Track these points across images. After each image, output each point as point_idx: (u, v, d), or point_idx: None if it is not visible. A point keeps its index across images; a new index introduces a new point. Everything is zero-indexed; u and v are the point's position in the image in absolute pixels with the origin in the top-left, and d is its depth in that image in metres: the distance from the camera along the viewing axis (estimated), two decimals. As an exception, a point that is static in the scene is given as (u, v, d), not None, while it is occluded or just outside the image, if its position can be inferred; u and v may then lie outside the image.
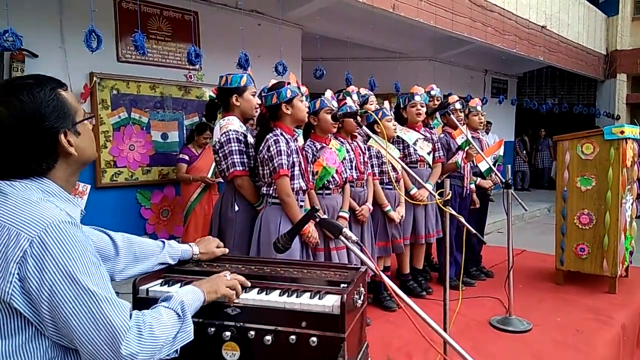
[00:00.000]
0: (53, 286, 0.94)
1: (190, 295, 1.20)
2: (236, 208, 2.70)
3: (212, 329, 1.36)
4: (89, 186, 4.32)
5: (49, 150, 1.05)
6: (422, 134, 3.81)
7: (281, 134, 2.59)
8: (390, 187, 3.56)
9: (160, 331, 1.07)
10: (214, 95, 2.95)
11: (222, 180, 4.28)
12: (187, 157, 4.65)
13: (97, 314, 0.97)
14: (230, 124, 2.72)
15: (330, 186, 2.99)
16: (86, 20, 3.69)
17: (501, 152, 3.99)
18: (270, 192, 2.59)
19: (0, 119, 1.00)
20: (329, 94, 3.11)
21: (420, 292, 3.76)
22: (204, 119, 4.37)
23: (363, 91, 3.84)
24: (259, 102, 2.80)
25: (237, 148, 2.68)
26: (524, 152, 12.13)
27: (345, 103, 3.24)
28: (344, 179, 3.06)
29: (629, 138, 3.85)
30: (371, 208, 3.30)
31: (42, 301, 0.94)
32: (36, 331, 0.98)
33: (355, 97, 3.64)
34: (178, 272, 1.54)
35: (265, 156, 2.55)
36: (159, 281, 1.49)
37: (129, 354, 0.99)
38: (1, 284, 0.93)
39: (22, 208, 0.98)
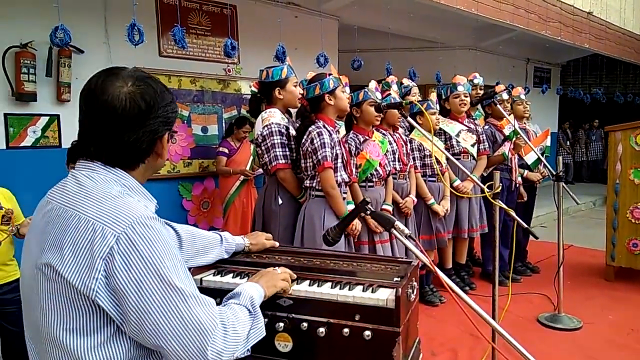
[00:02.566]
0: (141, 284, 0.91)
1: (255, 292, 1.18)
2: (280, 201, 2.70)
3: (265, 320, 1.35)
4: (132, 179, 4.42)
5: (150, 145, 1.05)
6: (465, 126, 3.70)
7: (324, 126, 2.57)
8: (433, 179, 3.49)
9: (240, 328, 1.05)
10: (255, 90, 2.95)
11: (261, 172, 4.30)
12: (226, 150, 4.69)
13: (186, 313, 0.94)
14: (272, 117, 2.71)
15: (373, 179, 2.95)
16: (129, 16, 3.77)
17: (548, 142, 3.85)
18: (314, 184, 2.58)
19: (132, 98, 1.00)
20: (372, 85, 3.06)
21: (463, 287, 3.68)
22: (247, 113, 4.39)
23: (406, 82, 3.76)
24: (302, 92, 2.78)
25: (279, 141, 2.67)
26: (567, 143, 11.69)
27: (390, 94, 3.18)
28: (387, 172, 3.01)
29: (689, 128, 3.64)
30: (415, 200, 3.25)
31: (129, 299, 0.91)
32: (118, 329, 0.95)
33: (395, 87, 3.58)
34: (229, 262, 1.55)
35: (309, 149, 2.53)
36: (212, 271, 1.50)
37: (215, 352, 0.96)
38: (87, 280, 0.90)
39: (105, 202, 0.95)
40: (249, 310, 1.12)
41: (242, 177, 4.64)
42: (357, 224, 2.67)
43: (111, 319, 0.94)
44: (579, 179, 11.93)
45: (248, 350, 1.08)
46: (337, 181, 2.55)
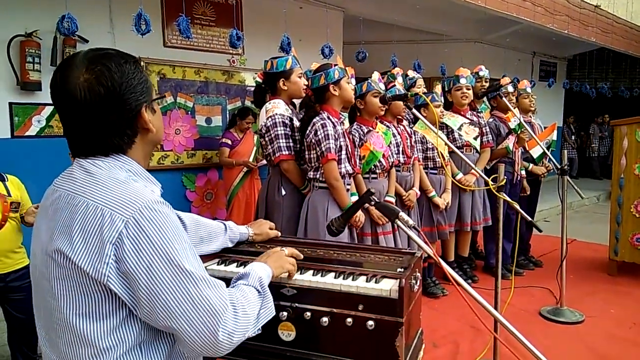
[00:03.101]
0: (151, 268, 0.92)
1: (263, 272, 1.19)
2: (283, 192, 2.70)
3: (269, 308, 1.36)
4: (137, 169, 4.42)
5: (130, 124, 1.02)
6: (468, 118, 3.69)
7: (328, 118, 2.56)
8: (435, 172, 3.48)
9: (250, 308, 1.06)
10: (260, 81, 2.94)
11: (264, 163, 4.31)
12: (229, 142, 4.69)
13: (196, 295, 0.95)
14: (276, 108, 2.71)
15: (377, 170, 2.95)
16: (134, 5, 3.76)
17: (554, 136, 3.83)
18: (317, 176, 2.58)
19: (89, 87, 0.96)
20: (375, 76, 3.05)
21: (466, 280, 3.67)
22: (252, 104, 4.38)
23: (411, 74, 3.74)
24: (306, 83, 2.77)
25: (283, 132, 2.67)
26: (572, 137, 11.63)
27: (394, 85, 3.17)
28: (390, 164, 3.01)
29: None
30: (418, 193, 3.25)
31: (140, 284, 0.92)
32: (130, 313, 0.96)
33: (400, 79, 3.56)
34: (233, 252, 1.55)
35: (313, 140, 2.53)
36: (216, 260, 1.51)
37: (227, 333, 0.97)
38: (97, 265, 0.91)
39: (112, 188, 0.95)
40: (257, 290, 1.13)
41: (245, 169, 4.64)
42: (360, 215, 2.67)
43: (123, 303, 0.95)
44: (585, 174, 11.86)
45: (259, 329, 1.09)
46: (341, 173, 2.55)
